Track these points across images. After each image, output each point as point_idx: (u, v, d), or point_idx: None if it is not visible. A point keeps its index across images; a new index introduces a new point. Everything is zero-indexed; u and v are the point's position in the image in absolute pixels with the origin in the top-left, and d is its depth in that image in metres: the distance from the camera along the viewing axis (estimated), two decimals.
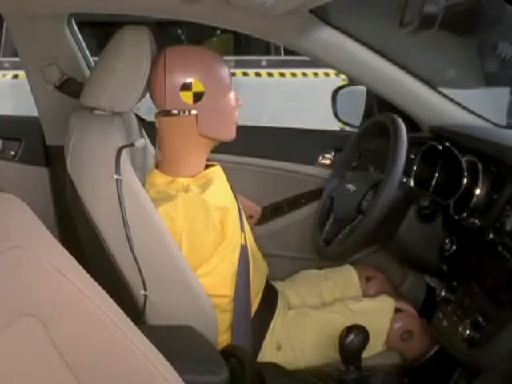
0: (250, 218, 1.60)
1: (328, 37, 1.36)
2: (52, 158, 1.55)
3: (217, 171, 1.32)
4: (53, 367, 0.74)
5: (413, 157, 1.44)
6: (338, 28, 1.36)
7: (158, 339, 0.83)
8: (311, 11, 1.29)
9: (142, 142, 1.17)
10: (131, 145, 1.16)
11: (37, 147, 1.57)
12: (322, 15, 1.32)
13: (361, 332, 1.14)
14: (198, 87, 1.18)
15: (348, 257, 1.50)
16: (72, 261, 0.87)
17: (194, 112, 1.19)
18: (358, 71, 1.45)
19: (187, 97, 1.18)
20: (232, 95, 1.25)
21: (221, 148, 1.31)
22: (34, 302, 0.78)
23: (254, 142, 1.72)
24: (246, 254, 1.27)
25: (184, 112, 1.20)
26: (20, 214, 0.87)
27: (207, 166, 1.31)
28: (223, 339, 1.26)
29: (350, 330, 1.15)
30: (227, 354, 1.06)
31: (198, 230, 1.19)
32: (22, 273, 0.78)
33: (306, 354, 1.33)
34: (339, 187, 1.50)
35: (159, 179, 1.25)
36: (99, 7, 1.33)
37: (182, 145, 1.24)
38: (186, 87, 1.18)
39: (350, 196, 1.40)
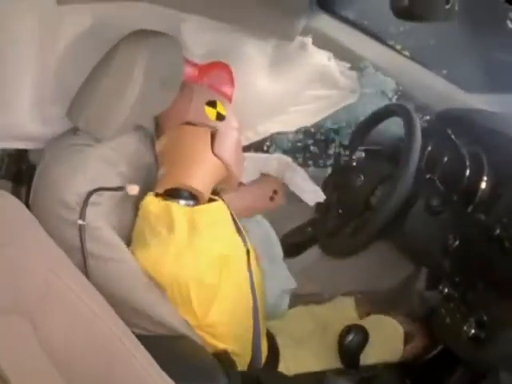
0: (275, 193, 1.53)
1: (329, 26, 1.33)
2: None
3: (219, 208, 1.14)
4: (40, 367, 0.73)
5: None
6: (337, 16, 1.34)
7: (156, 348, 0.82)
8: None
9: (136, 189, 1.03)
10: (104, 189, 1.02)
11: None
12: (324, 4, 1.29)
13: (360, 331, 1.13)
14: (221, 109, 1.18)
15: (357, 251, 1.45)
16: (65, 259, 0.86)
17: (214, 126, 1.16)
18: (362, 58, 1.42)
19: (211, 113, 1.17)
20: (240, 140, 1.25)
21: None
22: (25, 301, 0.77)
23: None
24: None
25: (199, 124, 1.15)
26: (13, 211, 0.87)
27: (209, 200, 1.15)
28: None
29: (349, 329, 1.13)
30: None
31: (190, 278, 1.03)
32: (11, 271, 0.77)
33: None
34: (344, 179, 1.47)
35: (152, 206, 1.06)
36: None
37: (191, 155, 1.12)
38: (211, 104, 1.17)
39: (356, 190, 1.37)
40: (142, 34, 1.07)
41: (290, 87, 1.44)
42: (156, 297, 1.03)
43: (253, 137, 1.51)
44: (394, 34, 1.41)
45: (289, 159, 1.52)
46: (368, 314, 1.46)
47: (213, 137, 1.14)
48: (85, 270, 0.97)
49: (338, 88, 1.52)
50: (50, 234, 0.94)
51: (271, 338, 1.28)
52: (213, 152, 1.12)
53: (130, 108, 1.04)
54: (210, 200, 1.13)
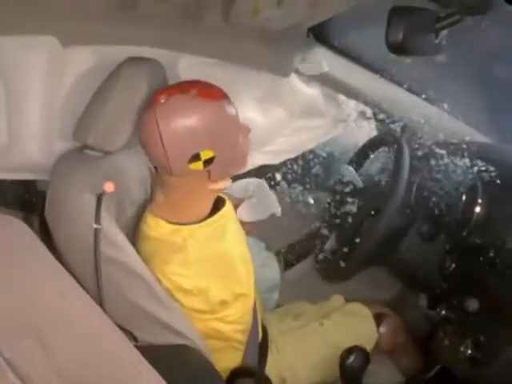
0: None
1: (327, 59, 1.36)
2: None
3: (228, 214, 1.21)
4: None
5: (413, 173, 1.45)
6: (335, 49, 1.37)
7: (156, 359, 0.83)
8: (310, 32, 1.30)
9: (112, 186, 1.04)
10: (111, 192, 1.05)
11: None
12: (321, 38, 1.33)
13: (361, 352, 1.14)
14: (207, 155, 1.04)
15: (348, 277, 1.49)
16: (73, 283, 0.88)
17: (205, 171, 1.07)
18: (358, 91, 1.46)
19: (197, 166, 1.05)
20: (241, 134, 1.11)
21: None
22: (36, 325, 0.78)
23: None
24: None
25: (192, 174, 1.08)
26: (22, 236, 0.89)
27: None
28: None
29: (350, 351, 1.14)
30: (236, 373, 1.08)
31: (217, 287, 1.12)
32: (23, 295, 0.79)
33: (307, 379, 1.34)
34: (340, 204, 1.51)
35: (162, 228, 1.13)
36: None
37: (192, 191, 1.12)
38: (194, 159, 1.04)
39: (349, 217, 1.42)
40: (140, 58, 1.14)
41: (278, 119, 1.49)
42: (164, 302, 1.08)
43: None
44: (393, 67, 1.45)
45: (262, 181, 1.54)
46: (380, 318, 1.50)
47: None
48: (96, 274, 1.01)
49: (325, 118, 1.56)
50: (64, 242, 1.02)
51: (264, 330, 1.37)
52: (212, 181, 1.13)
53: (134, 122, 1.09)
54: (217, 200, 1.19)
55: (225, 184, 1.14)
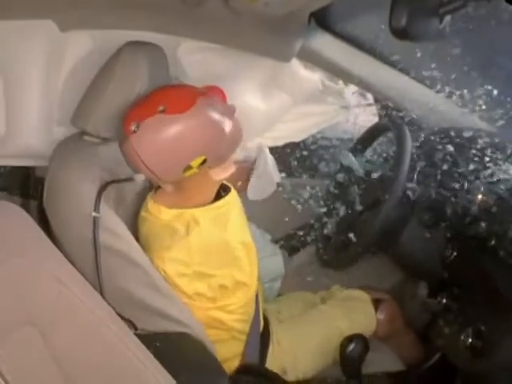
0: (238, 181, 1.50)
1: (327, 45, 1.35)
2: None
3: (232, 202, 1.20)
4: (53, 379, 0.74)
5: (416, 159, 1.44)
6: (338, 35, 1.36)
7: (156, 347, 0.84)
8: (312, 18, 1.29)
9: (141, 177, 1.07)
10: (115, 181, 1.07)
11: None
12: (323, 23, 1.32)
13: (361, 341, 1.14)
14: (198, 161, 1.03)
15: (350, 265, 1.49)
16: (72, 270, 0.88)
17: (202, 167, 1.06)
18: (360, 77, 1.45)
19: (192, 172, 1.04)
20: (227, 121, 1.06)
21: None
22: (34, 312, 0.78)
23: None
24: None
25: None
26: (21, 223, 0.88)
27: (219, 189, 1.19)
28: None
29: (350, 339, 1.15)
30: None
31: (218, 274, 1.12)
32: (22, 282, 0.79)
33: (307, 369, 1.34)
34: (341, 192, 1.51)
35: (164, 214, 1.13)
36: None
37: (197, 183, 1.11)
38: (187, 169, 1.04)
39: (350, 205, 1.41)
40: (139, 43, 1.12)
41: (280, 105, 1.48)
42: (163, 291, 1.08)
43: (241, 153, 1.54)
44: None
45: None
46: (378, 303, 1.50)
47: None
48: (95, 262, 1.01)
49: (327, 105, 1.55)
50: (63, 230, 1.02)
51: (265, 320, 1.36)
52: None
53: None
54: (222, 188, 1.19)
55: (229, 171, 1.12)
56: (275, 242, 1.67)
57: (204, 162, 1.04)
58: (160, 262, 1.09)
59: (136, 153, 1.01)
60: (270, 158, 1.54)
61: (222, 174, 1.11)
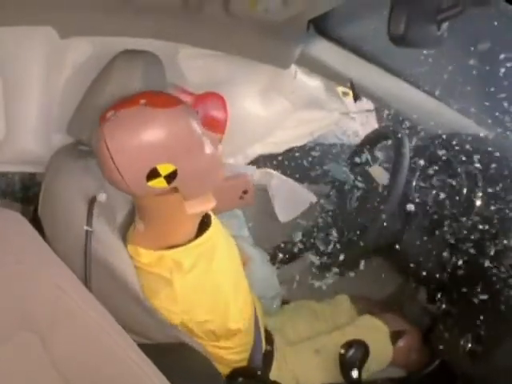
0: (244, 193, 1.43)
1: (326, 52, 1.35)
2: None
3: (214, 233, 1.10)
4: (50, 382, 0.74)
5: (413, 166, 1.44)
6: (337, 41, 1.36)
7: (157, 356, 0.84)
8: (311, 25, 1.29)
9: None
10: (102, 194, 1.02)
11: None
12: (322, 30, 1.32)
13: (361, 346, 1.14)
14: (167, 169, 0.94)
15: (347, 272, 1.49)
16: (71, 276, 0.88)
17: (174, 187, 0.97)
18: (359, 83, 1.45)
19: (159, 183, 0.95)
20: (208, 143, 0.98)
21: None
22: (33, 317, 0.78)
23: None
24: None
25: (161, 193, 0.98)
26: (20, 229, 0.88)
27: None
28: None
29: (350, 344, 1.15)
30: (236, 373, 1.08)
31: (203, 322, 1.05)
32: (21, 288, 0.79)
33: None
34: (339, 198, 1.51)
35: (144, 258, 1.04)
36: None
37: (170, 215, 1.03)
38: (152, 176, 0.94)
39: (346, 216, 1.41)
40: (134, 51, 1.11)
41: (279, 111, 1.48)
42: (154, 316, 1.04)
43: (242, 160, 1.55)
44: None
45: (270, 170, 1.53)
46: (363, 311, 1.49)
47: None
48: (85, 276, 0.98)
49: (326, 110, 1.56)
50: (56, 240, 1.00)
51: (269, 336, 1.33)
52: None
53: None
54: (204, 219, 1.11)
55: (205, 206, 1.03)
56: (270, 251, 1.66)
57: (173, 175, 0.95)
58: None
59: (105, 142, 0.91)
60: (283, 179, 1.52)
61: (197, 208, 1.02)
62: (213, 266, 1.06)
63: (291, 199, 1.54)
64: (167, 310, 1.03)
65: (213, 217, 1.14)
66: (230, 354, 1.14)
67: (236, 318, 1.08)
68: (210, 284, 1.05)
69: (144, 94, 0.96)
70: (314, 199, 1.43)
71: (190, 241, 1.06)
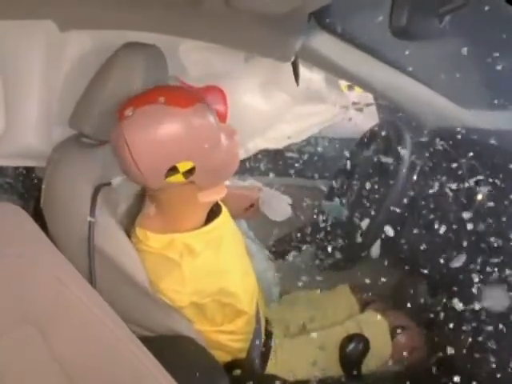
0: (251, 206, 1.47)
1: (327, 44, 1.35)
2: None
3: (223, 221, 1.14)
4: (52, 380, 0.74)
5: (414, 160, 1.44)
6: (338, 34, 1.36)
7: (158, 350, 0.83)
8: (312, 17, 1.29)
9: (119, 180, 1.04)
10: (108, 184, 1.04)
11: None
12: (323, 22, 1.31)
13: (361, 340, 1.14)
14: (185, 166, 0.97)
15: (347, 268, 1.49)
16: (72, 269, 0.88)
17: (190, 181, 1.01)
18: (360, 77, 1.45)
19: (177, 178, 0.98)
20: (225, 138, 1.03)
21: None
22: (34, 311, 0.78)
23: None
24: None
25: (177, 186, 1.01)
26: (21, 223, 0.88)
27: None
28: None
29: (350, 338, 1.15)
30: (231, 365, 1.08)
31: (210, 302, 1.08)
32: (22, 281, 0.79)
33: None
34: (339, 193, 1.51)
35: (153, 241, 1.07)
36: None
37: (182, 203, 1.06)
38: (171, 173, 0.97)
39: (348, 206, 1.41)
40: (137, 44, 1.11)
41: (280, 105, 1.48)
42: (159, 303, 1.06)
43: (242, 154, 1.54)
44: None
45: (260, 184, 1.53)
46: (363, 301, 1.49)
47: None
48: (89, 266, 1.00)
49: (327, 104, 1.55)
50: (60, 233, 1.01)
51: (268, 328, 1.34)
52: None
53: None
54: (214, 208, 1.14)
55: (217, 194, 1.08)
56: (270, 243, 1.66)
57: (191, 171, 0.98)
58: (155, 290, 1.06)
59: (125, 139, 0.94)
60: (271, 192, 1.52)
61: (210, 197, 1.07)
62: (221, 252, 1.09)
63: (276, 209, 1.53)
64: (175, 292, 1.05)
65: (223, 207, 1.17)
66: (232, 341, 1.15)
67: (243, 299, 1.12)
68: (217, 269, 1.08)
69: (162, 91, 0.98)
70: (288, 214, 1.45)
71: (198, 228, 1.09)
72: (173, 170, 0.97)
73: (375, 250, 1.31)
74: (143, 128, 0.94)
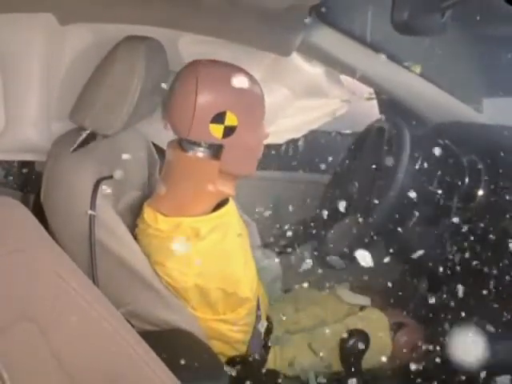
0: None
1: (328, 39, 1.34)
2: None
3: (230, 211, 1.17)
4: (52, 377, 0.74)
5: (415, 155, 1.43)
6: (339, 28, 1.35)
7: (158, 345, 0.83)
8: (312, 11, 1.28)
9: (120, 173, 1.06)
10: (109, 177, 1.05)
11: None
12: (324, 17, 1.31)
13: (361, 336, 1.14)
14: (231, 121, 1.04)
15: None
16: (72, 265, 0.87)
17: (215, 155, 1.05)
18: (361, 71, 1.44)
19: (217, 130, 1.03)
20: (263, 128, 1.12)
21: None
22: (33, 307, 0.78)
23: None
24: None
25: (208, 147, 1.05)
26: (21, 218, 0.88)
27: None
28: None
29: (350, 334, 1.15)
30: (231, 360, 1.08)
31: (214, 288, 1.09)
32: (21, 276, 0.79)
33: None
34: (339, 189, 1.51)
35: (161, 223, 1.08)
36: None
37: (197, 181, 1.09)
38: (217, 119, 1.03)
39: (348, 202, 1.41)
40: (138, 37, 1.11)
41: (280, 99, 1.47)
42: (161, 294, 1.07)
43: None
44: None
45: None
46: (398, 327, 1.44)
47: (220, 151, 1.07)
48: (90, 259, 1.00)
49: (328, 98, 1.54)
50: (60, 227, 1.01)
51: (269, 324, 1.33)
52: (220, 170, 1.09)
53: (133, 106, 1.06)
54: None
55: (230, 190, 1.12)
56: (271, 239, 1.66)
57: (232, 129, 1.04)
58: (161, 272, 1.07)
59: (196, 79, 1.03)
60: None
61: (226, 186, 1.10)
62: (226, 239, 1.11)
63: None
64: (180, 272, 1.06)
65: (230, 199, 1.18)
66: (233, 331, 1.16)
67: (246, 287, 1.13)
68: (222, 254, 1.10)
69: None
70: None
71: (206, 214, 1.10)
72: (221, 116, 1.03)
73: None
74: (219, 67, 1.07)
